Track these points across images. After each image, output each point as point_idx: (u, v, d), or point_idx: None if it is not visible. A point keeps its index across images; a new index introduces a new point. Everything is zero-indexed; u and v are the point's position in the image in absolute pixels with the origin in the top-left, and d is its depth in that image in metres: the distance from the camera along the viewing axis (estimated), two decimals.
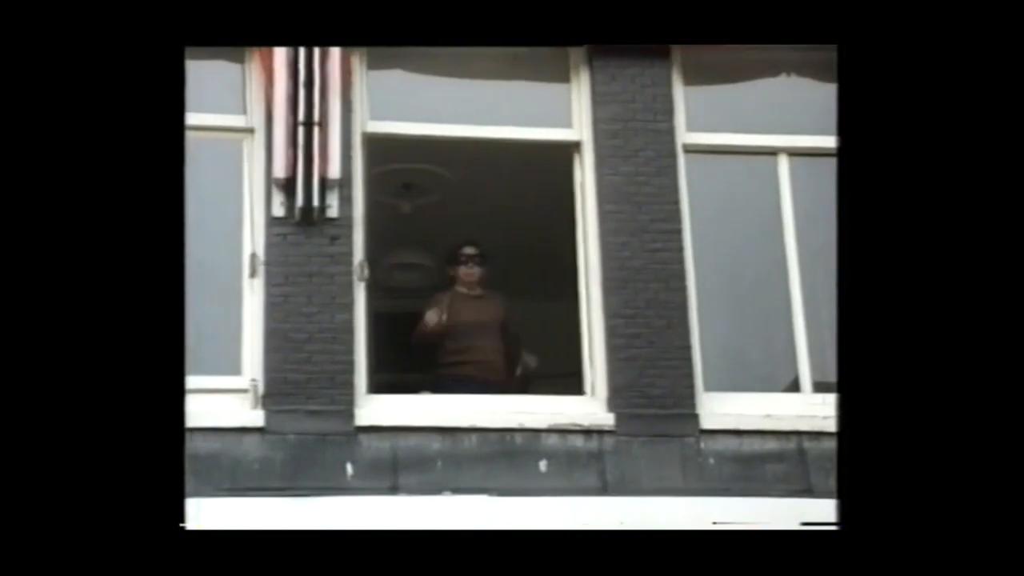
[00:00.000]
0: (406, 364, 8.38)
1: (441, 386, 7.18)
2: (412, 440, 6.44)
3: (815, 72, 7.32)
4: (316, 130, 6.62)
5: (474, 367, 7.24)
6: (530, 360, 7.51)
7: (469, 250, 7.55)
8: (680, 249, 6.86)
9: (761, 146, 7.22)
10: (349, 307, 6.58)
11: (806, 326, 6.94)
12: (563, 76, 7.20)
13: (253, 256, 6.63)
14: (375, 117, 6.99)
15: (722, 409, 6.69)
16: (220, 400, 6.36)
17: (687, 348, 6.72)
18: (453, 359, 7.30)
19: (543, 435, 6.54)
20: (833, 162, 6.75)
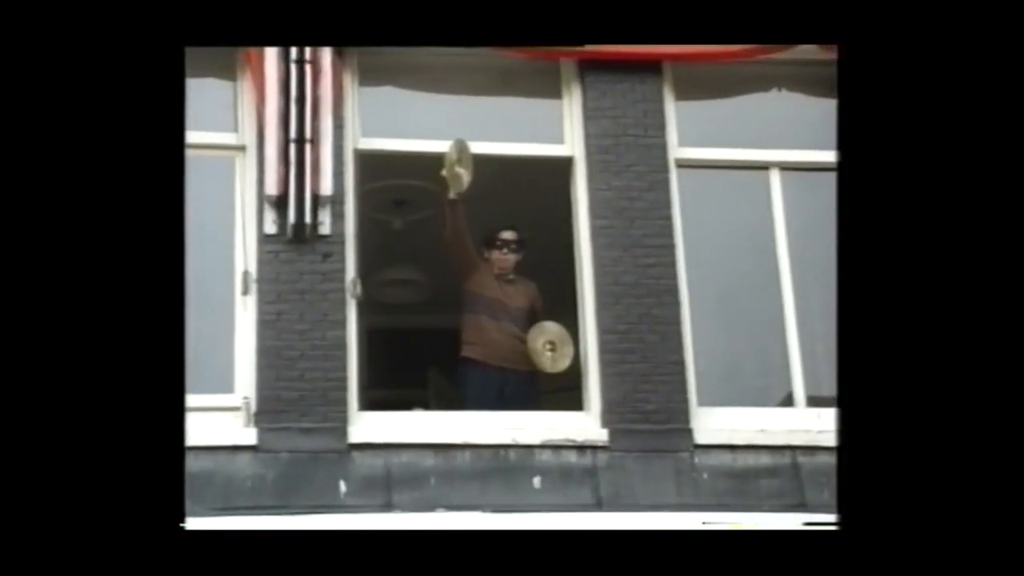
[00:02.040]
0: (399, 381, 8.38)
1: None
2: (405, 457, 6.42)
3: (807, 87, 7.33)
4: (308, 147, 6.61)
5: (481, 348, 7.10)
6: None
7: (507, 235, 7.28)
8: (673, 264, 6.86)
9: (753, 161, 7.23)
10: (342, 324, 6.56)
11: (799, 340, 6.94)
12: (555, 92, 7.20)
13: (245, 274, 6.61)
14: (367, 133, 6.99)
15: (716, 424, 6.68)
16: (212, 418, 6.34)
17: (680, 363, 6.71)
18: (466, 338, 7.17)
19: (536, 451, 6.52)
20: (825, 176, 6.79)
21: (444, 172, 6.94)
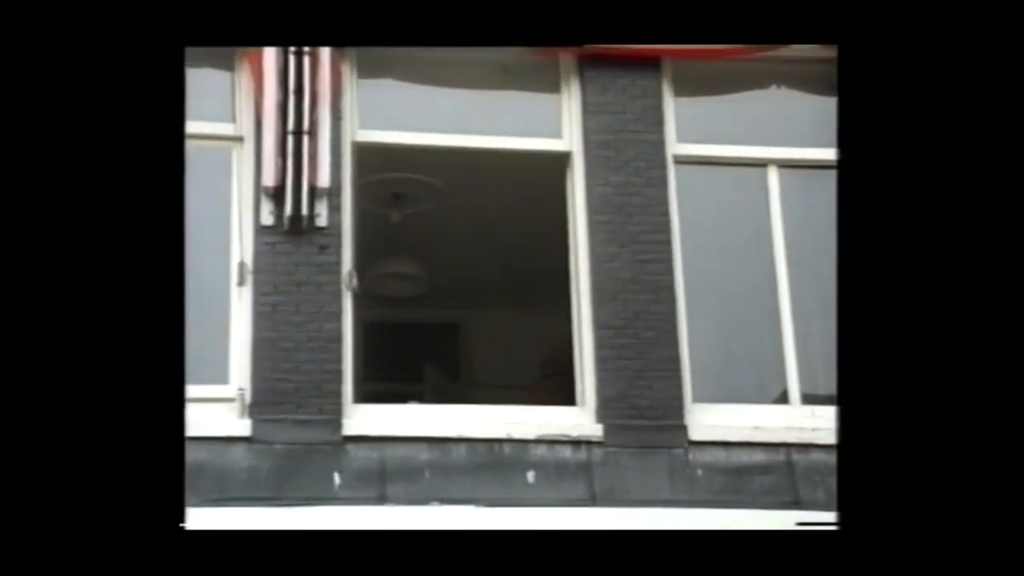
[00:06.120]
0: (394, 374, 8.38)
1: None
2: (400, 450, 6.42)
3: (805, 84, 7.33)
4: (306, 139, 6.61)
5: None
6: None
7: None
8: (669, 260, 6.85)
9: (751, 158, 7.22)
10: (337, 316, 6.56)
11: (795, 338, 6.93)
12: (554, 87, 7.19)
13: (241, 265, 6.61)
14: (365, 126, 6.98)
15: (711, 421, 6.68)
16: (207, 409, 6.33)
17: (676, 359, 6.71)
18: None
19: (531, 445, 6.52)
20: (823, 174, 6.79)
21: None
